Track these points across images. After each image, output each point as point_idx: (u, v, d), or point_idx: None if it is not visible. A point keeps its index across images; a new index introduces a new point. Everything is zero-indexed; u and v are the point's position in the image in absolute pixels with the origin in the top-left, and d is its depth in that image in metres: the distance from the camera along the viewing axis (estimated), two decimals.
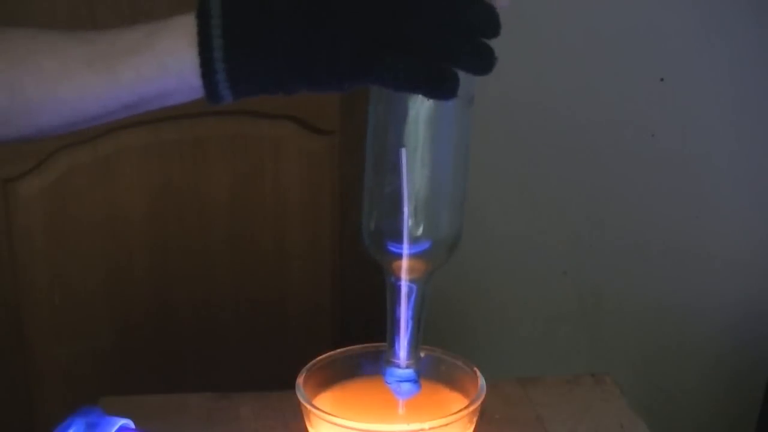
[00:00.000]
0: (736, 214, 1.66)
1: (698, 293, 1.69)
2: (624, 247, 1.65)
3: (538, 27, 1.51)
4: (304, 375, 0.71)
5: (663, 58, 1.55)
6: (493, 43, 0.58)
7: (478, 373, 0.71)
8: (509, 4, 0.59)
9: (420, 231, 0.61)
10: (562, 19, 1.52)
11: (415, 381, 0.66)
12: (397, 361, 0.66)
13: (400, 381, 0.66)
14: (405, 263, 0.62)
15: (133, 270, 1.27)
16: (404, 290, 0.64)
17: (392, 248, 0.62)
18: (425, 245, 0.62)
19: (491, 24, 0.56)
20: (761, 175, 1.65)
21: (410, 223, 0.61)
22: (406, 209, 0.60)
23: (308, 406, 0.68)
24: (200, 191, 1.27)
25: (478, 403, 0.69)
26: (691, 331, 1.71)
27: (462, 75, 0.57)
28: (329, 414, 0.67)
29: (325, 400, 0.72)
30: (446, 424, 0.66)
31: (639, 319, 1.70)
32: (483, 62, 0.56)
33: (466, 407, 0.68)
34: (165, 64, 0.59)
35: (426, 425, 0.65)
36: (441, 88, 0.56)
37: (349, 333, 1.32)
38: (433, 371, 0.72)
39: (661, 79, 1.56)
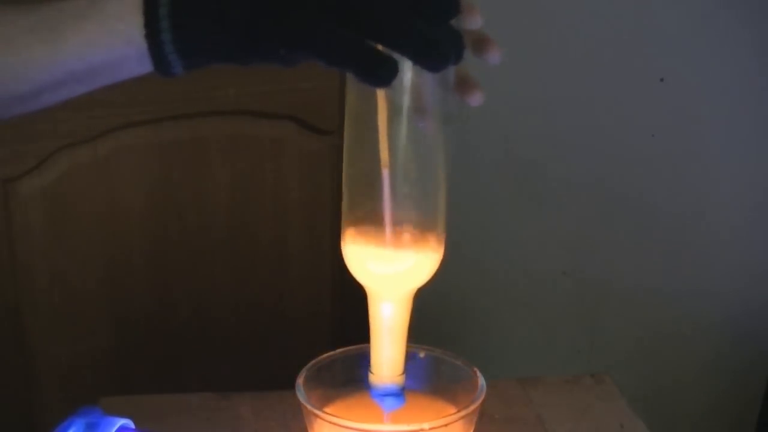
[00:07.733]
0: (736, 213, 1.66)
1: (698, 293, 1.69)
2: (624, 247, 1.65)
3: (538, 27, 1.51)
4: (304, 375, 0.71)
5: (663, 58, 1.55)
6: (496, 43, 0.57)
7: (478, 374, 0.71)
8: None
9: (400, 250, 0.61)
10: (562, 20, 1.52)
11: (399, 395, 0.66)
12: (379, 375, 0.66)
13: (384, 395, 0.66)
14: (387, 281, 0.62)
15: (132, 270, 1.27)
16: (386, 308, 0.64)
17: (372, 268, 0.62)
18: (406, 264, 0.61)
19: (452, 11, 0.53)
20: (761, 175, 1.65)
21: (390, 242, 0.60)
22: (388, 229, 0.60)
23: (308, 407, 0.68)
24: (200, 191, 1.27)
25: (478, 403, 0.69)
26: (691, 331, 1.71)
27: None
28: (329, 414, 0.67)
29: (325, 400, 0.72)
30: (446, 424, 0.66)
31: (639, 319, 1.69)
32: (432, 56, 0.52)
33: (466, 407, 0.68)
34: (112, 28, 0.56)
35: (426, 425, 0.65)
36: (375, 72, 0.52)
37: (349, 333, 1.32)
38: (433, 371, 0.72)
39: (661, 79, 1.56)
